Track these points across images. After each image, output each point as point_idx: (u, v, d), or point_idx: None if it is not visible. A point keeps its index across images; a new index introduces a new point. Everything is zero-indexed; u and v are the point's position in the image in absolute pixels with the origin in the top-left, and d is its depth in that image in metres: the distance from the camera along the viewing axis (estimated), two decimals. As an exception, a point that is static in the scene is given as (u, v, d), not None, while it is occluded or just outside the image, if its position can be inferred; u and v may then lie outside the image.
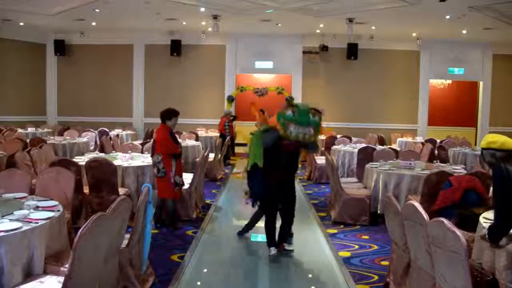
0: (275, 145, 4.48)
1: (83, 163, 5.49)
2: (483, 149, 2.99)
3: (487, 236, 2.78)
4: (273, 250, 4.60)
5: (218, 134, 12.63)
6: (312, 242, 5.24)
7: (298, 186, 8.76)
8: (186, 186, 5.86)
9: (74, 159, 6.08)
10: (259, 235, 5.14)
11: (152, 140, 5.95)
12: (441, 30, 12.49)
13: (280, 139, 4.39)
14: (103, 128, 11.89)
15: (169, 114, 5.34)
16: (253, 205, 4.95)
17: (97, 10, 11.00)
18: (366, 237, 5.37)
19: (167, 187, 5.30)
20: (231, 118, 11.91)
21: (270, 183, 4.60)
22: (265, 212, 4.79)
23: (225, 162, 11.12)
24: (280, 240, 4.72)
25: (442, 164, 6.94)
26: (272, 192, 4.62)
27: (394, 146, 11.36)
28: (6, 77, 13.37)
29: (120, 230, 3.01)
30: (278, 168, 4.56)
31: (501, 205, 2.76)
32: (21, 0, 10.35)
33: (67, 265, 2.50)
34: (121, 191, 5.41)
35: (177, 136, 5.80)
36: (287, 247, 4.72)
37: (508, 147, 2.87)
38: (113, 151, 8.06)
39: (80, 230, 2.44)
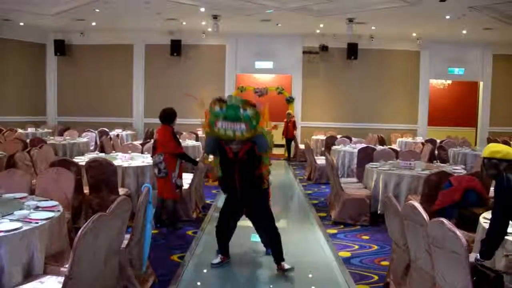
0: (222, 152, 4.15)
1: (83, 163, 5.49)
2: (485, 158, 2.94)
3: (478, 255, 2.73)
4: (217, 259, 4.30)
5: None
6: (312, 242, 5.24)
7: (298, 187, 8.77)
8: (185, 186, 5.87)
9: (74, 159, 6.08)
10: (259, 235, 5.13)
11: (153, 140, 5.96)
12: (441, 30, 12.49)
13: (223, 144, 4.07)
14: (103, 128, 11.89)
15: (170, 116, 5.35)
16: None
17: (97, 10, 11.00)
18: (366, 237, 5.37)
19: (168, 187, 5.31)
20: None
21: (225, 193, 4.34)
22: (220, 215, 4.44)
23: None
24: (275, 260, 4.24)
25: (442, 164, 6.94)
26: (227, 203, 4.33)
27: (394, 146, 11.36)
28: (6, 77, 13.36)
29: (120, 230, 3.01)
30: (231, 179, 4.15)
31: (496, 216, 2.72)
32: (21, 0, 10.35)
33: (67, 265, 2.51)
34: (121, 191, 5.41)
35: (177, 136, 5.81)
36: (285, 266, 4.19)
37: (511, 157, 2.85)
38: (113, 151, 8.06)
39: (80, 230, 2.44)
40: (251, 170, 4.11)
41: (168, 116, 5.36)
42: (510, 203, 2.67)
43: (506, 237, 2.83)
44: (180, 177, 5.39)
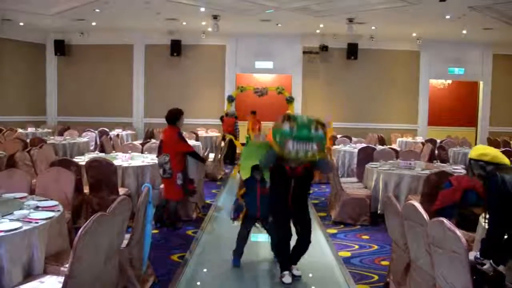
0: (279, 168, 3.94)
1: (83, 163, 5.49)
2: (472, 159, 2.94)
3: (478, 254, 2.71)
4: (287, 276, 3.95)
5: (218, 134, 12.66)
6: (312, 242, 5.21)
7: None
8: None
9: (74, 159, 6.08)
10: (259, 235, 5.11)
11: (159, 140, 5.97)
12: (441, 30, 12.49)
13: (281, 160, 3.84)
14: (103, 128, 11.89)
15: (176, 115, 5.35)
16: (234, 219, 4.44)
17: (97, 10, 11.00)
18: (366, 237, 5.38)
19: (172, 188, 5.31)
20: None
21: (277, 208, 4.08)
22: (276, 229, 4.16)
23: (228, 162, 11.26)
24: (291, 260, 4.19)
25: (442, 164, 6.94)
26: (281, 216, 4.07)
27: (394, 146, 11.36)
28: (6, 77, 13.36)
29: (120, 230, 3.01)
30: (286, 195, 3.97)
31: (494, 217, 2.70)
32: (21, 0, 10.35)
33: (67, 265, 2.50)
34: (121, 191, 5.41)
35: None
36: (295, 272, 4.09)
37: (499, 161, 2.83)
38: (113, 151, 8.06)
39: (80, 230, 2.44)
40: (305, 187, 4.04)
41: (173, 116, 5.34)
42: (507, 202, 2.66)
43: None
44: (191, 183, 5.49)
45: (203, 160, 5.75)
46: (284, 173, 3.94)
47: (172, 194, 5.36)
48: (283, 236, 4.04)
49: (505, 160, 2.85)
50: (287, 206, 4.00)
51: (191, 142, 10.09)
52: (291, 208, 4.01)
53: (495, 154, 2.87)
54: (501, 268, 2.68)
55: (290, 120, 3.73)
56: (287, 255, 4.07)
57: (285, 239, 4.03)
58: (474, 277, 2.47)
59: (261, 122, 13.46)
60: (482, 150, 2.92)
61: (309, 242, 4.11)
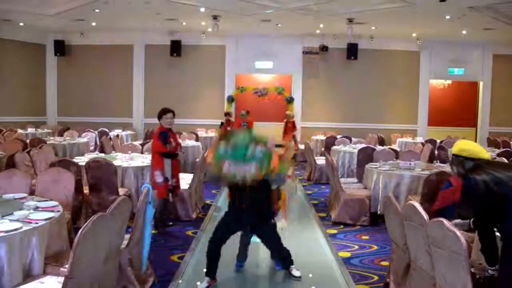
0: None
1: (83, 164, 5.49)
2: (453, 154, 2.95)
3: (487, 266, 2.69)
4: (204, 283, 3.82)
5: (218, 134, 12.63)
6: (312, 242, 5.23)
7: (298, 187, 8.76)
8: (186, 186, 5.87)
9: (74, 160, 6.08)
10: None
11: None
12: (441, 30, 12.49)
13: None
14: (103, 128, 11.89)
15: (160, 114, 5.40)
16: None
17: (97, 10, 11.00)
18: (366, 237, 5.37)
19: (154, 186, 5.30)
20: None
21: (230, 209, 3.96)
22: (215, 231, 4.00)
23: None
24: (282, 265, 4.19)
25: (442, 164, 6.94)
26: (228, 223, 3.97)
27: (394, 146, 11.36)
28: (6, 78, 13.36)
29: (120, 230, 3.02)
30: (237, 202, 3.82)
31: (477, 222, 2.68)
32: (21, 1, 10.35)
33: (67, 265, 2.50)
34: (121, 191, 5.41)
35: (177, 136, 5.80)
36: (294, 272, 4.08)
37: (477, 156, 2.82)
38: (113, 152, 8.06)
39: (80, 230, 2.44)
40: (261, 199, 3.81)
41: (158, 115, 5.41)
42: (482, 203, 2.63)
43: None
44: (174, 176, 5.37)
45: (174, 155, 5.56)
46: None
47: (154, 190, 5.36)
48: (215, 240, 3.89)
49: (485, 155, 2.84)
50: (240, 216, 3.84)
51: (191, 142, 10.10)
52: (245, 208, 3.80)
53: (474, 149, 2.86)
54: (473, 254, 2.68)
55: (225, 140, 3.55)
56: (213, 261, 3.88)
57: (216, 244, 3.88)
58: (478, 276, 2.47)
59: (254, 122, 13.48)
60: (462, 146, 2.93)
61: (278, 250, 3.96)
